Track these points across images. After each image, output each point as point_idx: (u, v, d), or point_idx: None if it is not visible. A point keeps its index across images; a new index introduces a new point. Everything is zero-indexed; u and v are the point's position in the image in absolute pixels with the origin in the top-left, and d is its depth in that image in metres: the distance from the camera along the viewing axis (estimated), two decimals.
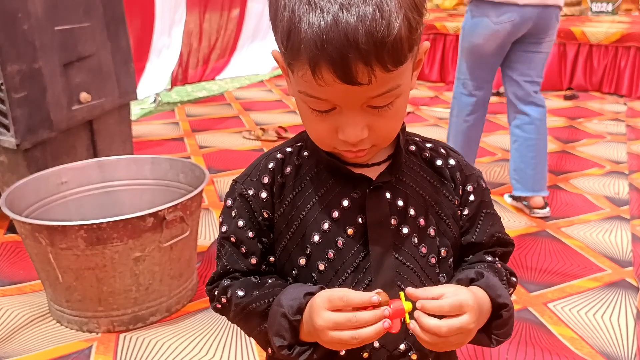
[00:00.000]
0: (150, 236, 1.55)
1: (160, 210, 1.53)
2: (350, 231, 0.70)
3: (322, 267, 0.71)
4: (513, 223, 2.27)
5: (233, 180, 0.76)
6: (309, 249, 0.72)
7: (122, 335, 1.63)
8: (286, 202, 0.73)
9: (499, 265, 0.77)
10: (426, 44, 0.67)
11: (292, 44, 0.59)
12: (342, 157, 0.71)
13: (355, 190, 0.71)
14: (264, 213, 0.73)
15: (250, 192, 0.73)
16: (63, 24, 2.03)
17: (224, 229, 0.75)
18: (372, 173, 0.72)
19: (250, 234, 0.73)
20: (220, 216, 0.77)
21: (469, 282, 0.70)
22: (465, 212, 0.77)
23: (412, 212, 0.72)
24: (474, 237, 0.77)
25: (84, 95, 2.10)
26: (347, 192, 0.72)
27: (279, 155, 0.75)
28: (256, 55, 5.00)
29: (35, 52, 1.91)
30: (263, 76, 5.12)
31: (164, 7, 3.81)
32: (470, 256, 0.79)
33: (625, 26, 4.61)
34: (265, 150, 3.14)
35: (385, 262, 0.71)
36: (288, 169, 0.74)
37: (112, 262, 1.53)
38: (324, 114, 0.63)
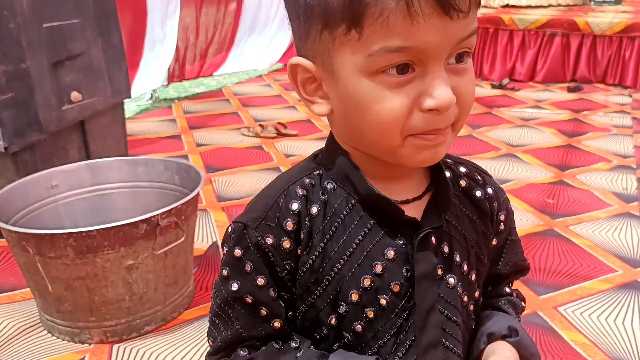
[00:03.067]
0: (144, 243, 1.48)
1: (154, 216, 1.47)
2: (395, 288, 0.59)
3: (359, 327, 0.60)
4: (520, 222, 2.20)
5: (239, 222, 0.60)
6: (343, 308, 0.60)
7: (115, 346, 1.56)
8: (316, 253, 0.59)
9: (515, 296, 0.72)
10: None
11: None
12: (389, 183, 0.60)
13: (400, 237, 0.59)
14: (286, 266, 0.59)
15: (269, 240, 0.58)
16: (51, 21, 1.95)
17: (234, 287, 0.60)
18: (413, 211, 0.60)
19: (273, 294, 0.60)
20: (223, 267, 0.62)
21: (502, 337, 0.64)
22: (494, 242, 0.68)
23: (457, 258, 0.62)
24: (498, 268, 0.69)
25: (74, 95, 2.03)
26: (391, 238, 0.59)
27: (300, 192, 0.60)
28: (254, 50, 4.92)
29: (22, 51, 1.83)
30: (262, 71, 5.05)
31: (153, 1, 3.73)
32: (489, 287, 0.71)
33: (630, 16, 4.52)
34: (265, 148, 3.10)
35: (430, 319, 0.60)
36: (315, 209, 0.59)
37: (103, 271, 1.47)
38: (402, 84, 0.51)
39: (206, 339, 1.63)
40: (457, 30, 0.51)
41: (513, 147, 3.07)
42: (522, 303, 0.75)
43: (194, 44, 4.31)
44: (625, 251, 2.02)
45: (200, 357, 1.51)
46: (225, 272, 0.61)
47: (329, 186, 0.60)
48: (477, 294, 0.67)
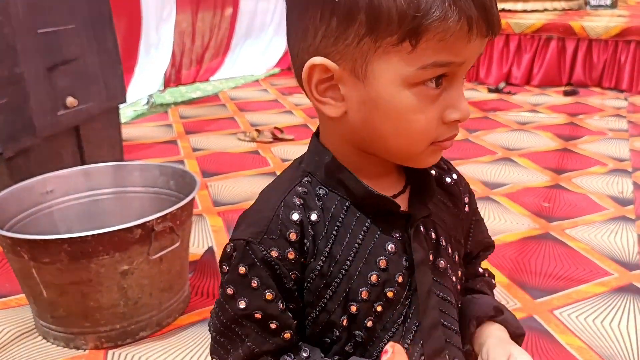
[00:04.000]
0: (138, 248, 1.48)
1: (149, 221, 1.46)
2: (400, 278, 0.62)
3: (370, 323, 0.62)
4: (515, 225, 2.20)
5: (240, 239, 0.60)
6: (354, 307, 0.61)
7: (110, 352, 1.56)
8: (323, 258, 0.61)
9: (487, 276, 0.80)
10: None
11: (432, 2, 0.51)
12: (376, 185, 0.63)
13: (395, 230, 0.63)
14: (292, 276, 0.60)
15: (274, 253, 0.59)
16: (46, 26, 1.95)
17: (242, 304, 0.60)
18: (400, 204, 0.64)
19: (282, 306, 0.60)
20: (227, 286, 0.61)
21: (489, 318, 0.71)
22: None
23: (443, 242, 0.67)
24: (468, 247, 0.75)
25: (69, 100, 2.03)
26: (389, 233, 0.62)
27: (297, 201, 0.60)
28: (251, 55, 4.93)
29: (17, 56, 1.83)
30: (258, 76, 5.05)
31: (148, 4, 3.73)
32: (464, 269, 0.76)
33: (625, 20, 4.54)
34: (261, 152, 3.10)
35: (430, 303, 0.64)
36: (314, 216, 0.60)
37: (98, 277, 1.46)
38: (436, 97, 0.55)
39: (201, 344, 1.63)
40: (482, 48, 0.57)
41: (509, 151, 3.08)
42: (493, 280, 0.81)
43: (190, 49, 4.31)
44: (621, 255, 2.02)
45: None
46: (230, 291, 0.61)
47: (321, 192, 0.62)
48: (459, 273, 0.72)
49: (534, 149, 3.12)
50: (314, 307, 0.62)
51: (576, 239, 2.13)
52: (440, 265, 0.66)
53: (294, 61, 0.61)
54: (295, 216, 0.59)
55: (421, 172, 0.65)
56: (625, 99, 4.10)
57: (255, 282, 0.59)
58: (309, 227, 0.60)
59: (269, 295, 0.59)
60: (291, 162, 0.68)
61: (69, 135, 2.14)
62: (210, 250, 2.06)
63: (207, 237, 2.17)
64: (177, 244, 1.56)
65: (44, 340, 1.61)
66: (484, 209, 2.33)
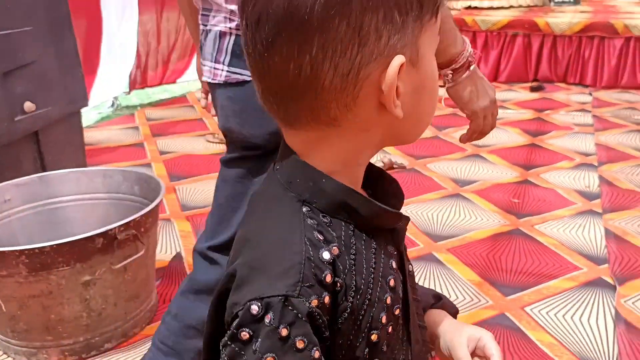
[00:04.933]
0: (101, 258, 1.43)
1: (111, 230, 1.42)
2: (401, 294, 0.61)
3: (385, 347, 0.58)
4: (486, 222, 2.21)
5: (275, 296, 0.50)
6: (375, 335, 0.56)
7: None
8: (352, 293, 0.54)
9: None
10: None
11: None
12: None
13: (389, 244, 0.60)
14: (325, 322, 0.52)
15: (314, 302, 0.50)
16: (1, 29, 1.88)
17: None
18: None
19: None
20: (265, 355, 0.49)
21: (431, 306, 0.73)
22: None
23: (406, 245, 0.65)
24: None
25: (27, 105, 1.96)
26: (387, 249, 0.59)
27: (318, 236, 0.53)
28: None
29: None
30: None
31: (108, 4, 3.65)
32: None
33: (588, 16, 4.62)
34: None
35: (412, 309, 0.63)
36: (336, 250, 0.53)
37: (58, 288, 1.41)
38: None
39: None
40: None
41: (479, 148, 3.09)
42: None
43: (155, 50, 4.23)
44: (589, 249, 2.04)
45: None
46: (271, 358, 0.50)
47: (325, 220, 0.55)
48: None
49: (503, 145, 3.14)
50: (342, 348, 0.54)
51: (545, 234, 2.14)
52: (409, 269, 0.64)
53: (336, 86, 0.50)
54: (326, 255, 0.52)
55: (384, 175, 0.62)
56: (590, 94, 4.17)
57: (302, 341, 0.50)
58: (338, 263, 0.53)
59: (316, 354, 0.50)
60: (260, 192, 0.60)
61: (28, 142, 2.06)
62: (178, 256, 2.01)
63: (175, 242, 2.12)
64: (142, 252, 1.52)
65: (5, 355, 1.55)
66: (454, 207, 2.33)
